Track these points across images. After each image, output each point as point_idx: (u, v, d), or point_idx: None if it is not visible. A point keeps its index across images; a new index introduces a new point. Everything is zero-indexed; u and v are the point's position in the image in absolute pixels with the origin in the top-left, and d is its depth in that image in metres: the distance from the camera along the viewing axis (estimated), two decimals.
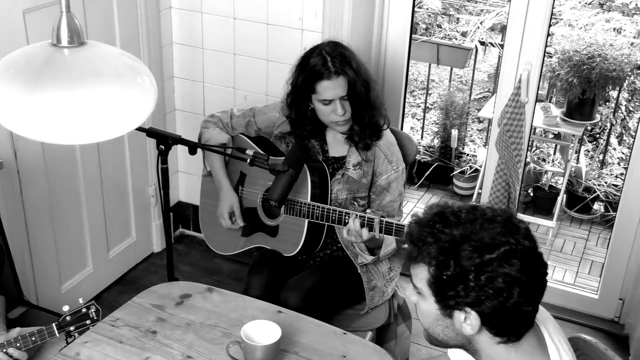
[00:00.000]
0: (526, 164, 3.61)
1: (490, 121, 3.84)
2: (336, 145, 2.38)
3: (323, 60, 2.19)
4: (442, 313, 1.33)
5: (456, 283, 1.26)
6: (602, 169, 4.33)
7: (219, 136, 2.42)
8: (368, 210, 2.15)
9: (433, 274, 1.29)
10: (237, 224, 2.40)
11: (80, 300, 1.96)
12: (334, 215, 2.20)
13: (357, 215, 2.13)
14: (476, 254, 1.25)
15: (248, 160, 2.09)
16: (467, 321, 1.30)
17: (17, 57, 1.38)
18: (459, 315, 1.31)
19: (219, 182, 2.41)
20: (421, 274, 1.32)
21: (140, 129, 1.93)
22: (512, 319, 1.30)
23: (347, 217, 2.17)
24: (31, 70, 1.33)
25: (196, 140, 2.23)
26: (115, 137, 1.37)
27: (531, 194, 4.15)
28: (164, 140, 2.08)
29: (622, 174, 4.24)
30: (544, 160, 4.38)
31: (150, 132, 2.10)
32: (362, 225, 2.12)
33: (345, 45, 2.27)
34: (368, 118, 2.28)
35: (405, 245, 1.36)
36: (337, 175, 2.34)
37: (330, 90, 2.20)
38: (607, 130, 4.55)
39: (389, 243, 2.26)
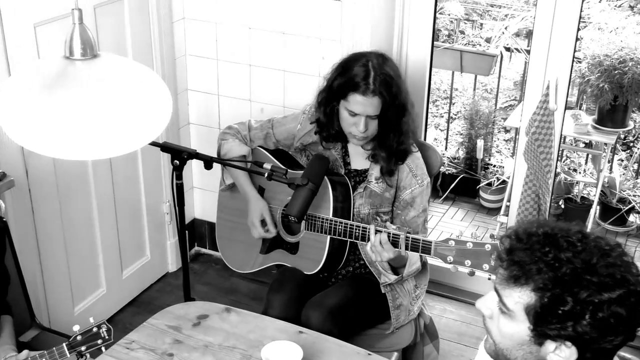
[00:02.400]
0: (556, 175, 3.56)
1: (517, 130, 3.85)
2: (358, 157, 2.35)
3: (365, 73, 2.15)
4: (532, 340, 1.26)
5: (568, 319, 1.21)
6: (637, 178, 4.24)
7: (238, 148, 2.39)
8: (393, 226, 2.10)
9: (543, 304, 1.22)
10: (270, 232, 2.33)
11: (91, 320, 1.94)
12: (357, 231, 2.16)
13: (377, 231, 2.07)
14: (596, 292, 1.20)
15: (265, 175, 2.07)
16: (558, 351, 1.25)
17: (29, 70, 1.39)
18: (550, 344, 1.25)
19: (244, 192, 2.38)
20: (520, 297, 1.24)
21: (154, 143, 1.94)
22: (605, 356, 1.27)
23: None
24: (43, 84, 1.33)
25: (211, 155, 2.22)
26: (129, 151, 1.36)
27: (562, 206, 4.08)
28: (179, 155, 2.07)
29: None
30: (575, 170, 4.32)
31: (165, 147, 2.09)
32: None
33: (392, 64, 2.22)
34: (396, 144, 2.24)
35: (503, 256, 1.26)
36: (359, 188, 2.30)
37: (360, 105, 2.16)
38: None
39: (413, 262, 2.22)
